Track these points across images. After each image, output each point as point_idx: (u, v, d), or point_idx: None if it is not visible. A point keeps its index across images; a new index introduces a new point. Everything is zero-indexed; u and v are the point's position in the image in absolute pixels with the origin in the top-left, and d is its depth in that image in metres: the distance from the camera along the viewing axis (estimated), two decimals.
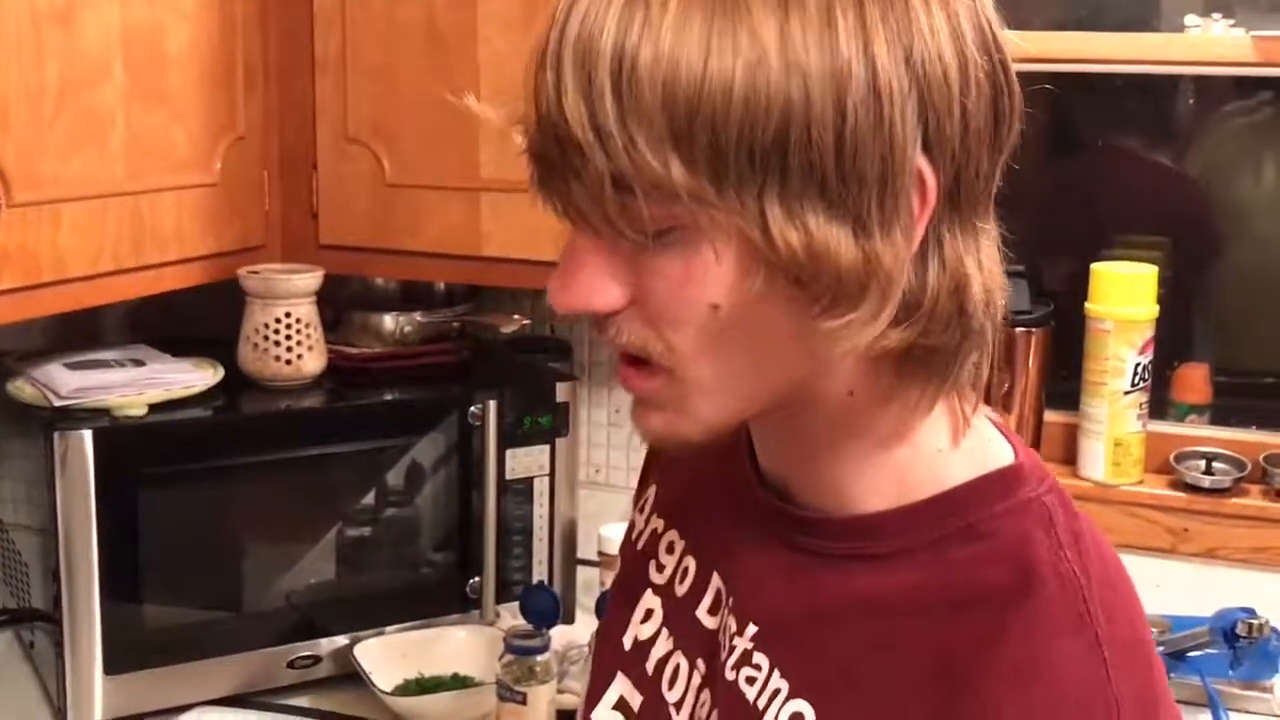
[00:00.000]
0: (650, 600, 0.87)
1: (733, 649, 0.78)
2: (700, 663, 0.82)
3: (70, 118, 1.44)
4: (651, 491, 0.93)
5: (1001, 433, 0.78)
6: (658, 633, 0.86)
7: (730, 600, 0.80)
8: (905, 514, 0.74)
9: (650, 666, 0.85)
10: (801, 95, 0.63)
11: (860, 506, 0.75)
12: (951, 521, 0.73)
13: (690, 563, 0.86)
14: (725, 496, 0.84)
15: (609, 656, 0.89)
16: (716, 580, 0.83)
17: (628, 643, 0.87)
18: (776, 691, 0.75)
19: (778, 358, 0.70)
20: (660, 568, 0.88)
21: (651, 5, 0.63)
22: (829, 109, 0.63)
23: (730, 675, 0.78)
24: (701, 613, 0.83)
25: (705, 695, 0.81)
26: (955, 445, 0.75)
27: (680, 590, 0.85)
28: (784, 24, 0.63)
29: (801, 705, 0.74)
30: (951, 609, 0.70)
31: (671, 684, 0.84)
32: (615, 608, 0.91)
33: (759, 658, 0.77)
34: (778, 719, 0.74)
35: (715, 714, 0.79)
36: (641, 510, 0.93)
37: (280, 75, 1.75)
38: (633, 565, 0.90)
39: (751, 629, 0.78)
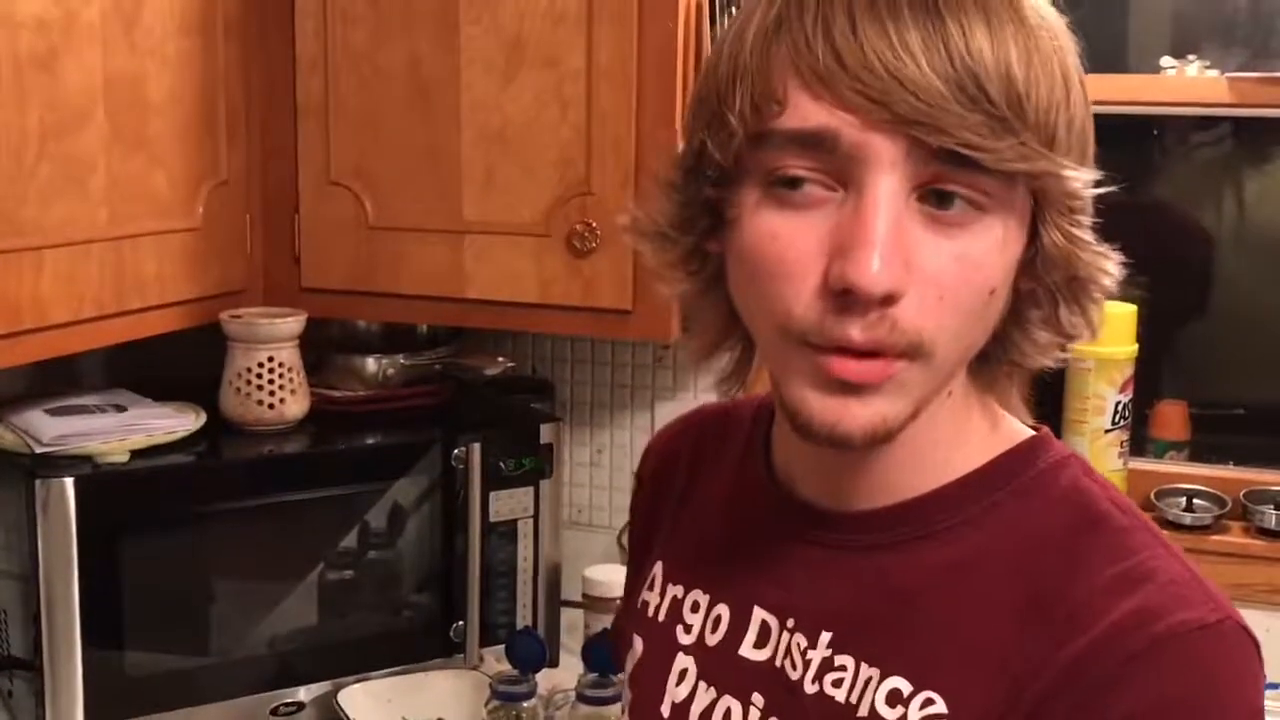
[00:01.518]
0: (682, 662, 0.88)
1: (808, 663, 0.80)
2: (758, 696, 0.83)
3: (52, 163, 1.44)
4: (658, 568, 0.94)
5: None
6: (694, 689, 0.87)
7: (789, 622, 0.82)
8: (958, 489, 0.79)
9: None
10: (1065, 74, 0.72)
11: (913, 491, 0.80)
12: (1001, 487, 0.79)
13: (722, 610, 0.87)
14: (745, 537, 0.87)
15: None
16: (760, 614, 0.85)
17: (666, 710, 0.88)
18: (868, 680, 0.77)
19: (974, 349, 0.76)
20: (688, 629, 0.89)
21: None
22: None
23: (812, 689, 0.80)
24: (746, 650, 0.85)
25: None
26: (985, 422, 0.82)
27: (713, 640, 0.87)
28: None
29: (897, 681, 0.76)
30: (1025, 553, 0.76)
31: None
32: (647, 683, 0.91)
33: (841, 659, 0.79)
34: (874, 704, 0.76)
35: None
36: (651, 587, 0.94)
37: (263, 120, 1.75)
38: (659, 637, 0.91)
39: (825, 636, 0.80)
